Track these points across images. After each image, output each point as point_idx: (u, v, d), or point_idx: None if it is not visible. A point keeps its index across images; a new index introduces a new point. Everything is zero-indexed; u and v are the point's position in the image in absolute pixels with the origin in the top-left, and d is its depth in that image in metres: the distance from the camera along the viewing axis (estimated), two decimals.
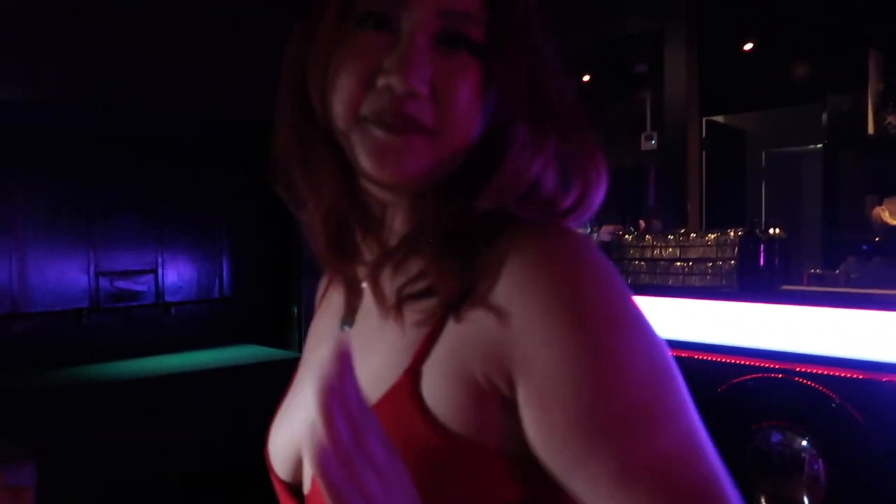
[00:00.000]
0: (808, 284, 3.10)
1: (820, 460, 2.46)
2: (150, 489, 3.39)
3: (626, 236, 3.26)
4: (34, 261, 3.75)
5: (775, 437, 2.58)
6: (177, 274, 4.23)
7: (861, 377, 2.37)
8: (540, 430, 0.53)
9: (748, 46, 5.32)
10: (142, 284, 4.08)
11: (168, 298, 4.20)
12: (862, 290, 2.76)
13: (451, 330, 0.57)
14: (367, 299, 0.67)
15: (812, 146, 5.87)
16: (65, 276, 3.85)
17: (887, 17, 4.10)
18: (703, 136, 5.49)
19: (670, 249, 3.03)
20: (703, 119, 5.55)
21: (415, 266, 0.61)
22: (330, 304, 0.77)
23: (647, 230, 4.29)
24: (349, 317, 0.70)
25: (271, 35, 4.06)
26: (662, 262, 3.05)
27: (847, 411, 2.39)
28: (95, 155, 3.93)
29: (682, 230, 3.25)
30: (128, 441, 3.33)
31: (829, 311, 2.48)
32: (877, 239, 4.03)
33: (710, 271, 2.89)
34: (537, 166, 0.62)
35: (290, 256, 4.46)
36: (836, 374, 2.41)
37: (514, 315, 0.54)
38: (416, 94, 0.57)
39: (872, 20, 4.28)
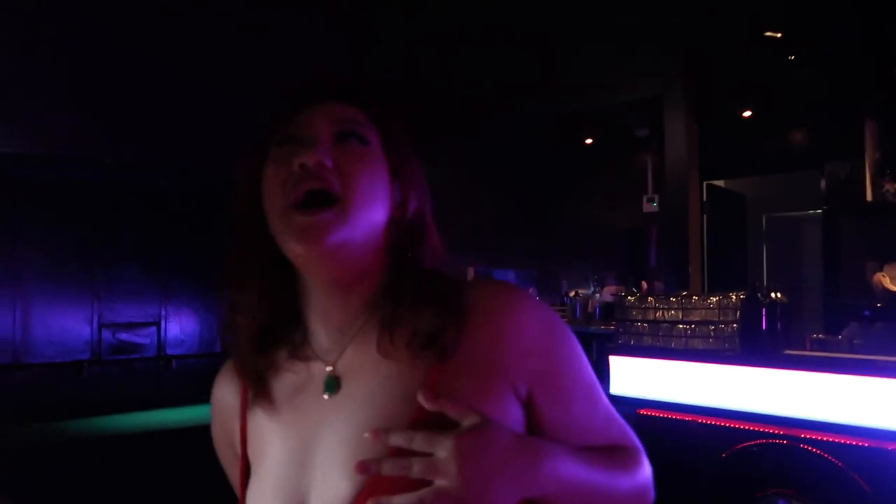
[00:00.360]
0: (811, 349, 3.10)
1: None
2: None
3: (629, 297, 3.28)
4: (37, 312, 3.76)
5: None
6: (179, 327, 4.24)
7: (867, 445, 2.35)
8: (562, 410, 0.80)
9: (747, 113, 5.44)
10: (144, 337, 4.08)
11: (170, 352, 4.20)
12: (865, 357, 2.75)
13: (453, 366, 0.76)
14: (356, 357, 0.81)
15: (811, 211, 5.94)
16: (67, 327, 3.85)
17: (883, 87, 4.21)
18: (704, 199, 5.57)
19: (672, 312, 3.04)
20: (704, 183, 5.64)
21: (402, 325, 0.78)
22: (268, 396, 0.84)
23: (650, 291, 4.31)
24: (330, 388, 0.80)
25: (273, 95, 4.15)
26: (665, 325, 3.06)
27: (853, 479, 2.36)
28: (100, 208, 3.98)
29: (685, 293, 3.26)
30: (127, 496, 3.28)
31: (833, 377, 2.47)
32: (878, 304, 4.05)
33: (712, 334, 2.89)
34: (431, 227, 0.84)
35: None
36: (842, 441, 2.39)
37: (524, 339, 0.79)
38: (322, 165, 0.75)
39: (869, 90, 4.39)
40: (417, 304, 0.78)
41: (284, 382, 0.83)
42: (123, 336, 4.00)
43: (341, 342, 0.81)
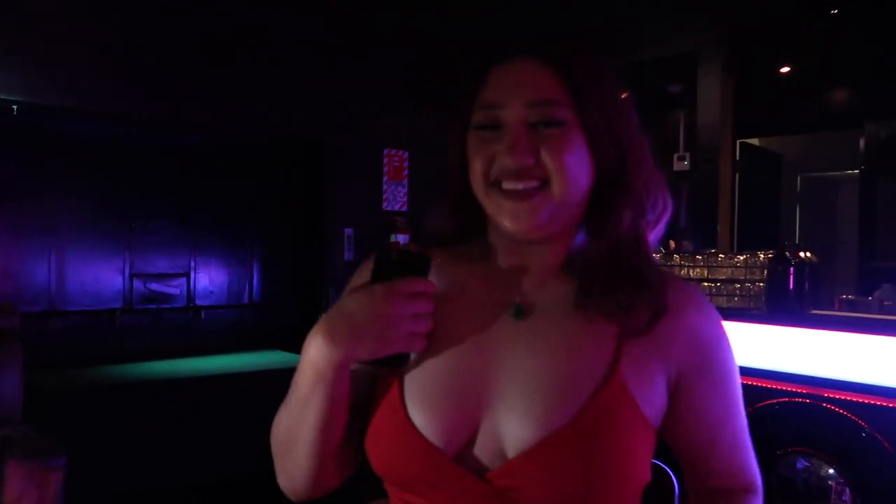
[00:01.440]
0: (840, 310, 3.05)
1: (847, 489, 2.41)
2: (174, 491, 3.44)
3: (655, 255, 3.24)
4: (72, 261, 3.85)
5: (801, 464, 2.54)
6: (208, 279, 4.31)
7: (891, 405, 2.32)
8: (701, 405, 0.86)
9: (785, 70, 5.27)
10: (174, 288, 4.16)
11: (199, 302, 4.28)
12: (892, 317, 2.71)
13: (642, 340, 0.81)
14: (543, 300, 0.85)
15: (849, 172, 5.79)
16: (100, 276, 3.94)
17: None
18: (737, 158, 5.44)
19: (698, 269, 3.01)
20: (738, 141, 5.51)
21: (602, 288, 0.82)
22: (453, 294, 0.88)
23: (678, 250, 4.26)
24: (518, 313, 0.85)
25: (303, 53, 4.17)
26: (691, 282, 3.03)
27: (876, 440, 2.34)
28: (135, 163, 4.03)
29: (712, 250, 3.22)
30: (155, 441, 3.39)
31: (859, 336, 2.44)
32: None
33: (737, 293, 2.86)
34: (651, 182, 0.87)
35: (319, 266, 4.51)
36: (866, 401, 2.37)
37: (697, 338, 0.85)
38: (524, 165, 0.80)
39: None
40: (621, 274, 0.83)
41: (467, 290, 0.88)
42: (154, 286, 4.08)
43: (532, 282, 0.86)
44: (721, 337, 0.88)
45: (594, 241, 0.86)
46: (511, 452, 0.77)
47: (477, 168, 0.83)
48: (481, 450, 0.79)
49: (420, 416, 0.80)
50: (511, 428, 0.78)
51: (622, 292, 0.81)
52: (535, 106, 0.81)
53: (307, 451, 0.83)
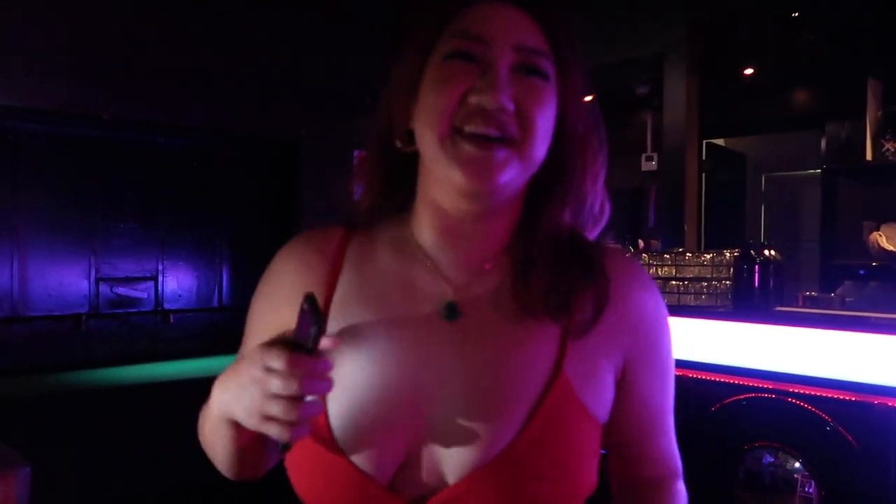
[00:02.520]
0: (803, 307, 3.12)
1: (812, 482, 2.47)
2: (145, 499, 3.39)
3: None
4: (36, 265, 3.77)
5: (767, 459, 2.59)
6: (176, 282, 4.25)
7: (854, 399, 2.38)
8: (651, 388, 0.81)
9: (748, 72, 5.37)
10: (141, 291, 4.10)
11: (167, 306, 4.22)
12: (854, 313, 2.77)
13: (587, 343, 0.75)
14: (478, 294, 0.76)
15: (811, 171, 5.92)
16: (66, 281, 3.87)
17: (886, 46, 4.15)
18: (703, 158, 5.53)
19: (666, 268, 3.06)
20: (704, 142, 5.59)
21: (540, 276, 0.74)
22: (376, 291, 0.78)
23: (646, 249, 4.31)
24: (451, 315, 0.76)
25: (271, 52, 4.13)
26: (658, 281, 3.07)
27: (840, 433, 2.40)
28: (100, 163, 3.97)
29: (679, 249, 3.27)
30: (123, 448, 3.34)
31: (823, 332, 2.50)
32: (874, 264, 4.06)
33: (705, 291, 2.91)
34: (598, 181, 0.80)
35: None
36: (829, 395, 2.42)
37: (643, 321, 0.80)
38: (503, 109, 0.69)
39: (871, 49, 4.34)
40: (560, 258, 0.75)
41: (390, 282, 0.77)
42: (121, 290, 4.01)
43: (467, 271, 0.76)
44: (664, 316, 0.83)
45: (531, 228, 0.77)
46: (451, 477, 0.69)
47: (439, 105, 0.70)
48: (418, 475, 0.70)
49: (347, 440, 0.71)
50: (451, 449, 0.70)
51: (563, 288, 0.73)
52: (523, 51, 0.71)
53: (225, 459, 0.80)
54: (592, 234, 0.82)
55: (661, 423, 0.85)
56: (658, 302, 0.83)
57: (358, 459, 0.70)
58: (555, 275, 0.74)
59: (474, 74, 0.70)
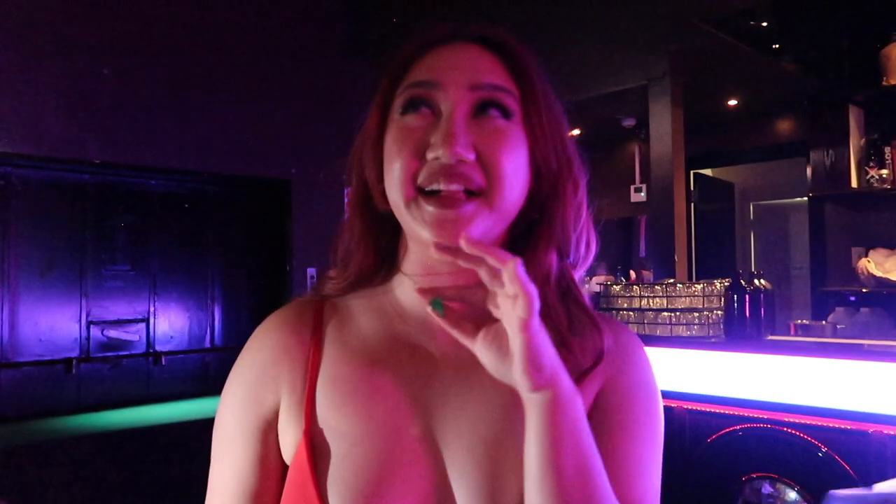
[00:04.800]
0: (795, 335, 3.13)
1: None
2: None
3: (615, 286, 3.30)
4: (25, 309, 3.75)
5: (766, 489, 2.58)
6: (168, 323, 4.24)
7: (849, 427, 2.38)
8: (612, 442, 0.72)
9: (732, 102, 5.46)
10: (133, 334, 4.08)
11: (159, 348, 4.19)
12: (848, 341, 2.78)
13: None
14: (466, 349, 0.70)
15: (798, 199, 5.98)
16: (56, 325, 3.85)
17: (863, 74, 4.24)
18: (691, 188, 5.59)
19: (657, 300, 3.07)
20: (691, 172, 5.66)
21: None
22: (365, 358, 0.74)
23: (638, 281, 4.33)
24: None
25: (260, 93, 4.18)
26: (650, 313, 3.08)
27: (836, 462, 2.39)
28: (90, 206, 3.97)
29: (670, 281, 3.29)
30: (116, 493, 3.29)
31: (815, 360, 2.50)
32: (864, 290, 4.08)
33: (696, 321, 2.92)
34: (581, 216, 0.75)
35: (283, 304, 4.47)
36: (824, 424, 2.42)
37: (626, 385, 0.74)
38: (464, 161, 0.64)
39: (849, 77, 4.42)
40: (555, 300, 0.71)
41: (376, 345, 0.74)
42: (112, 333, 3.99)
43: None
44: (653, 385, 0.77)
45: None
46: None
47: (400, 168, 0.66)
48: None
49: None
50: (474, 489, 0.67)
51: (561, 330, 0.70)
52: (482, 89, 0.66)
53: None
54: (580, 270, 0.77)
55: (627, 482, 0.71)
56: (645, 363, 0.79)
57: None
58: (550, 317, 0.69)
59: (430, 127, 0.66)
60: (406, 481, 0.67)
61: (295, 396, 0.73)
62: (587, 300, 0.76)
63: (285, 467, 0.73)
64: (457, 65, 0.67)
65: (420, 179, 0.66)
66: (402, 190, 0.67)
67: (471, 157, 0.65)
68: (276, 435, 0.74)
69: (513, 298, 0.58)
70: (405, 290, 0.75)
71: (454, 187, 0.64)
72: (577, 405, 0.63)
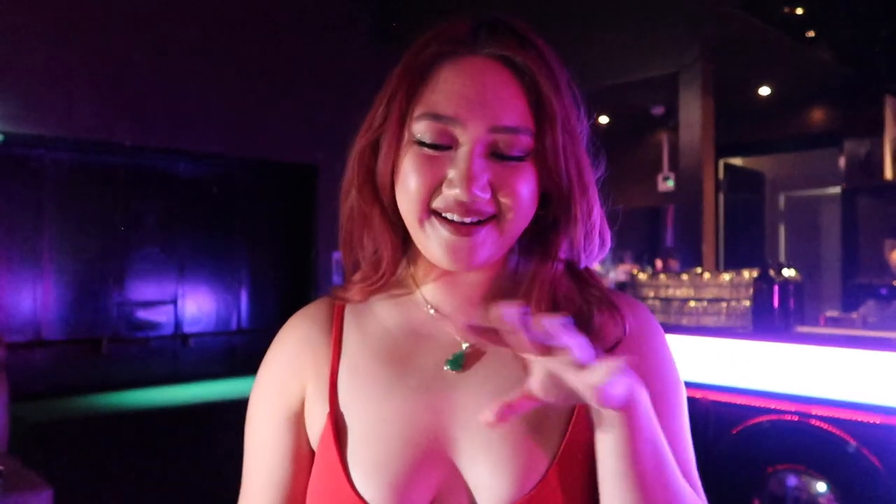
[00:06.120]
0: (825, 327, 3.08)
1: None
2: None
3: (641, 275, 3.27)
4: (58, 290, 3.83)
5: (791, 481, 2.55)
6: (196, 305, 4.30)
7: (878, 422, 2.34)
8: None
9: (765, 91, 5.37)
10: (161, 315, 4.14)
11: (186, 330, 4.26)
12: (877, 333, 2.74)
13: None
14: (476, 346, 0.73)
15: (831, 190, 5.87)
16: (87, 305, 3.92)
17: None
18: (721, 177, 5.51)
19: (684, 289, 3.04)
20: (721, 161, 5.58)
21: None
22: (384, 346, 0.77)
23: (664, 270, 4.29)
24: (456, 364, 0.74)
25: (288, 79, 4.19)
26: (676, 302, 3.05)
27: (864, 456, 2.36)
28: (121, 190, 4.04)
29: (697, 270, 3.25)
30: (144, 470, 3.35)
31: (844, 352, 2.46)
32: (895, 283, 4.01)
33: (724, 311, 2.89)
34: (594, 212, 0.75)
35: (306, 289, 4.51)
36: (853, 417, 2.39)
37: (649, 366, 0.74)
38: (478, 199, 0.67)
39: (887, 67, 4.32)
40: (570, 289, 0.74)
41: (396, 335, 0.76)
42: (141, 314, 4.06)
43: (468, 315, 0.71)
44: (666, 348, 0.79)
45: (529, 266, 0.75)
46: None
47: (416, 191, 0.68)
48: None
49: (372, 496, 0.69)
50: (480, 494, 0.69)
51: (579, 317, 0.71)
52: (500, 132, 0.67)
53: None
54: (596, 259, 0.78)
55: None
56: (663, 336, 0.79)
57: None
58: (568, 305, 0.73)
59: (448, 161, 0.68)
60: (427, 460, 0.70)
61: (320, 383, 0.76)
62: (602, 282, 0.77)
63: (313, 457, 0.75)
64: (477, 98, 0.68)
65: (435, 204, 0.68)
66: (416, 213, 0.69)
67: (486, 196, 0.67)
68: (304, 425, 0.77)
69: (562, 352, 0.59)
70: (420, 281, 0.77)
71: (468, 220, 0.67)
72: (651, 413, 0.65)
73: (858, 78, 4.60)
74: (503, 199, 0.68)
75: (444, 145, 0.68)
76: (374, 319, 0.78)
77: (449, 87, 0.68)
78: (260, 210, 4.56)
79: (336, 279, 4.49)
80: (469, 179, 0.66)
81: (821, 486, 2.47)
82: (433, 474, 0.70)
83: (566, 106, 0.71)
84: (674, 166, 5.45)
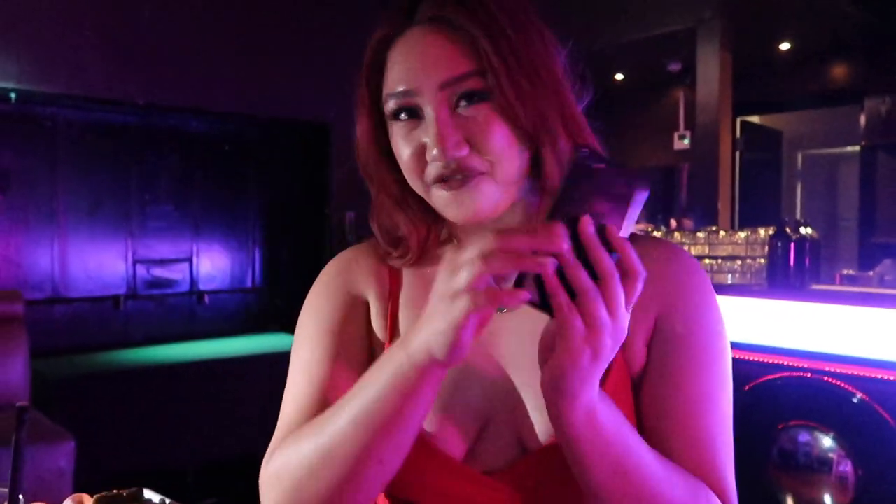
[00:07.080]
0: (840, 285, 3.06)
1: (848, 461, 2.44)
2: (180, 475, 3.48)
3: (656, 233, 3.26)
4: (75, 248, 3.86)
5: (802, 437, 2.56)
6: (211, 263, 4.33)
7: (891, 378, 2.34)
8: (673, 384, 0.74)
9: (784, 46, 5.26)
10: (177, 273, 4.18)
11: (202, 287, 4.30)
12: (892, 291, 2.72)
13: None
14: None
15: (850, 148, 5.79)
16: (104, 263, 3.96)
17: None
18: (737, 136, 5.44)
19: (699, 247, 3.02)
20: (738, 119, 5.50)
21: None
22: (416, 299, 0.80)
23: (679, 229, 4.27)
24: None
25: (301, 35, 4.15)
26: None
27: (876, 412, 2.36)
28: (135, 148, 4.04)
29: (713, 228, 3.23)
30: (160, 424, 3.42)
31: (859, 310, 2.45)
32: None
33: (739, 269, 2.87)
34: (583, 131, 0.76)
35: (320, 248, 4.53)
36: (865, 374, 2.39)
37: (680, 300, 0.76)
38: (457, 157, 0.69)
39: None
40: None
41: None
42: (157, 272, 4.10)
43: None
44: (708, 294, 0.78)
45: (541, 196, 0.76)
46: (530, 445, 0.72)
47: (408, 163, 0.73)
48: (494, 446, 0.73)
49: (441, 434, 0.73)
50: (527, 418, 0.72)
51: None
52: (450, 85, 0.69)
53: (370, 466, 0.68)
54: None
55: (696, 417, 0.74)
56: (702, 280, 0.78)
57: (433, 435, 0.72)
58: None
59: (421, 129, 0.72)
60: (476, 392, 0.75)
61: (381, 308, 0.81)
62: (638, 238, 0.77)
63: (355, 370, 0.77)
64: (420, 64, 0.71)
65: (427, 178, 0.72)
66: (415, 183, 0.74)
67: (464, 152, 0.69)
68: (354, 333, 0.81)
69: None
70: (461, 241, 0.81)
71: (459, 176, 0.70)
72: (600, 420, 0.63)
73: (881, 33, 4.49)
74: (485, 152, 0.70)
75: (413, 114, 0.72)
76: (430, 259, 0.82)
77: (399, 65, 0.72)
78: (273, 169, 4.55)
79: (349, 238, 4.50)
80: (440, 139, 0.69)
81: (832, 442, 2.48)
82: (481, 406, 0.74)
83: (515, 41, 0.70)
84: (690, 124, 5.38)
